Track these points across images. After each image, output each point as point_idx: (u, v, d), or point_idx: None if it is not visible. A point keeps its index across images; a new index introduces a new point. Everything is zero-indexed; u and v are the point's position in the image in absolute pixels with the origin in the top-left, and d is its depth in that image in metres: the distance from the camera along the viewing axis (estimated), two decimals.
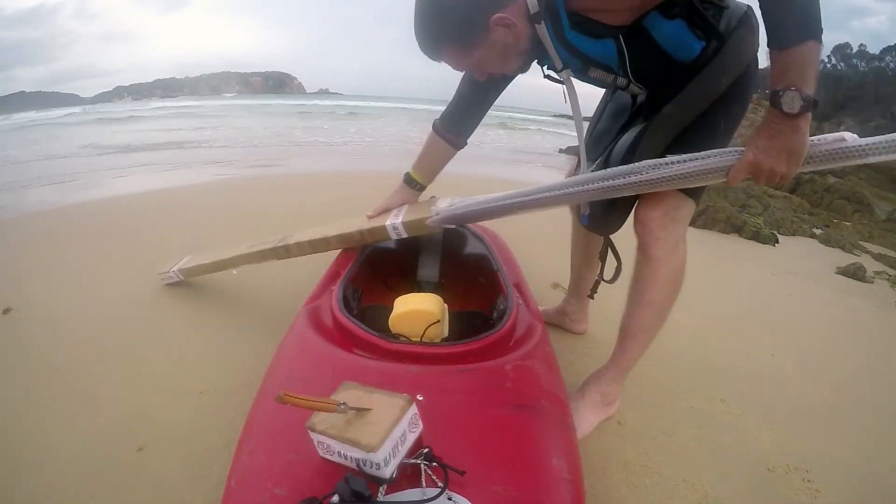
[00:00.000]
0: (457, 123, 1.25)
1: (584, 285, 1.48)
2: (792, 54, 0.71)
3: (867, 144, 0.77)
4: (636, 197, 1.02)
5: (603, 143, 1.13)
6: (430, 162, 1.34)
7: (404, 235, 1.28)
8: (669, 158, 0.88)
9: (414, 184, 1.36)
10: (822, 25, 0.70)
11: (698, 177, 0.87)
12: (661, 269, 1.01)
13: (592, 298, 1.38)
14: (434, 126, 1.27)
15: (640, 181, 0.91)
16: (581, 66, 0.97)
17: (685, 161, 0.87)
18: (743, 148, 0.82)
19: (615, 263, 1.21)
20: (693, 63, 0.90)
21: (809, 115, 0.73)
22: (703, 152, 0.87)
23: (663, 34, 0.87)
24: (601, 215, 1.11)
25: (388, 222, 1.29)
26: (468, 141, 1.29)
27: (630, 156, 0.98)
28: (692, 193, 0.99)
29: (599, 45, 0.90)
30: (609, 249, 1.23)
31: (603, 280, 1.26)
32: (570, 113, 1.05)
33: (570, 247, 1.46)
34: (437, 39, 0.92)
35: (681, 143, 0.95)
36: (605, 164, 1.06)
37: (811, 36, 0.70)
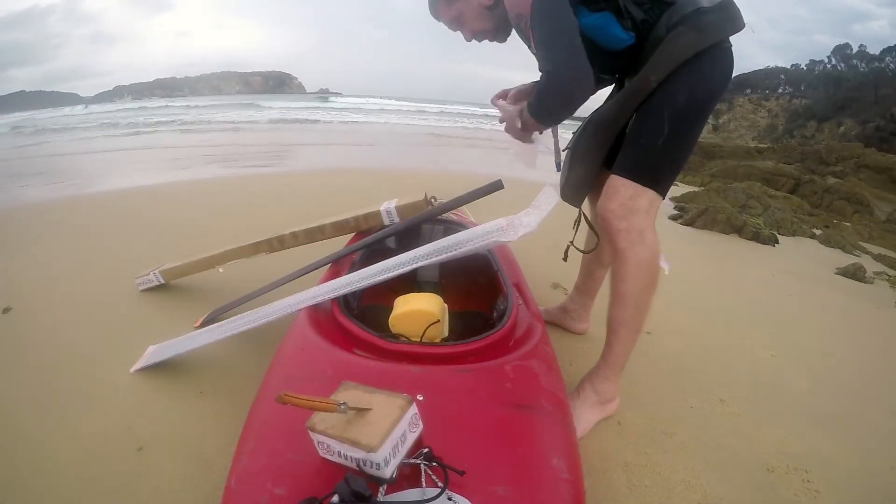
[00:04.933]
0: None
1: (591, 283, 1.49)
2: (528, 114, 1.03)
3: None
4: (589, 171, 1.12)
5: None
6: None
7: (396, 220, 1.35)
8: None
9: None
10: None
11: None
12: (628, 261, 1.01)
13: (565, 261, 1.40)
14: None
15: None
16: None
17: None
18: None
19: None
20: (626, 53, 0.99)
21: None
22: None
23: (587, 26, 0.95)
24: (561, 185, 1.26)
25: (382, 207, 1.35)
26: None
27: (576, 145, 1.16)
28: (651, 183, 0.99)
29: None
30: (584, 220, 1.30)
31: (574, 247, 1.33)
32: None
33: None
34: None
35: (629, 137, 1.02)
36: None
37: (535, 117, 1.03)
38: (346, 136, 9.72)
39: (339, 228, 1.38)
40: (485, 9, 1.08)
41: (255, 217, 2.66)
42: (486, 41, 1.16)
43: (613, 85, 1.21)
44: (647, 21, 0.95)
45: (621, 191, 1.00)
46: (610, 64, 1.06)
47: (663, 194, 1.02)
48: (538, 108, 1.01)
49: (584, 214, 1.30)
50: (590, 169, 1.14)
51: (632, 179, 0.99)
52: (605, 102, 1.12)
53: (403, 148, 7.93)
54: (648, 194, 0.99)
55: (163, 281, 1.67)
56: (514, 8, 1.01)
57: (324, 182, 3.87)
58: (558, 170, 1.29)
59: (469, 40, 1.17)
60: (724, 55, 0.97)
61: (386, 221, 1.34)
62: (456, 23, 1.14)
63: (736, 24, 0.96)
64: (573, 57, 0.90)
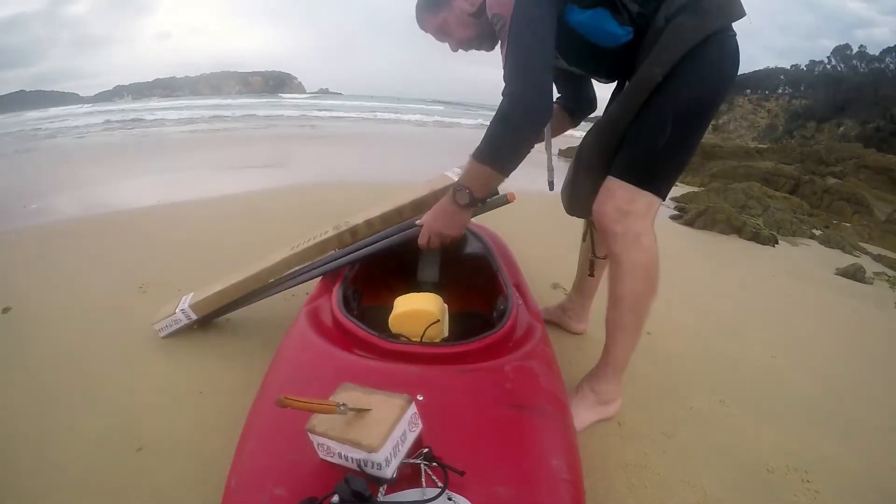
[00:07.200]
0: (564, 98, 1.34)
1: (587, 282, 1.49)
2: (474, 164, 0.97)
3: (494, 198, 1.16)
4: (595, 182, 1.05)
5: None
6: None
7: None
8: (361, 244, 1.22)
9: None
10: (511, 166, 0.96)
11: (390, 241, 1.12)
12: (623, 265, 0.99)
13: (591, 276, 1.43)
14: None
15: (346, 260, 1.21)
16: None
17: (378, 239, 1.16)
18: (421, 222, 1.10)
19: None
20: (624, 50, 0.95)
21: (472, 208, 1.04)
22: (393, 227, 1.19)
23: (581, 23, 0.94)
24: (566, 198, 1.26)
25: (450, 173, 1.33)
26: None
27: (580, 151, 1.14)
28: (648, 185, 0.96)
29: None
30: (591, 230, 1.30)
31: (596, 257, 1.35)
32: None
33: (580, 244, 1.47)
34: (417, 7, 1.14)
35: (628, 138, 0.98)
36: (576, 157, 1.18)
37: (488, 163, 0.95)
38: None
39: (417, 207, 1.23)
40: (468, 16, 1.05)
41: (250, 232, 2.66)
42: (473, 50, 1.14)
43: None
44: (644, 14, 0.92)
45: (617, 193, 0.97)
46: (610, 64, 1.04)
47: (663, 197, 0.99)
48: (495, 143, 0.94)
49: (593, 224, 1.27)
50: (597, 179, 1.05)
51: (628, 182, 0.96)
52: (607, 106, 1.09)
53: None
54: (646, 197, 0.96)
55: (195, 317, 1.35)
56: (493, 7, 0.96)
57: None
58: (551, 189, 1.27)
59: (455, 50, 1.15)
60: (730, 44, 0.93)
61: None
62: (441, 33, 1.13)
63: (737, 9, 0.92)
64: (540, 90, 0.89)
